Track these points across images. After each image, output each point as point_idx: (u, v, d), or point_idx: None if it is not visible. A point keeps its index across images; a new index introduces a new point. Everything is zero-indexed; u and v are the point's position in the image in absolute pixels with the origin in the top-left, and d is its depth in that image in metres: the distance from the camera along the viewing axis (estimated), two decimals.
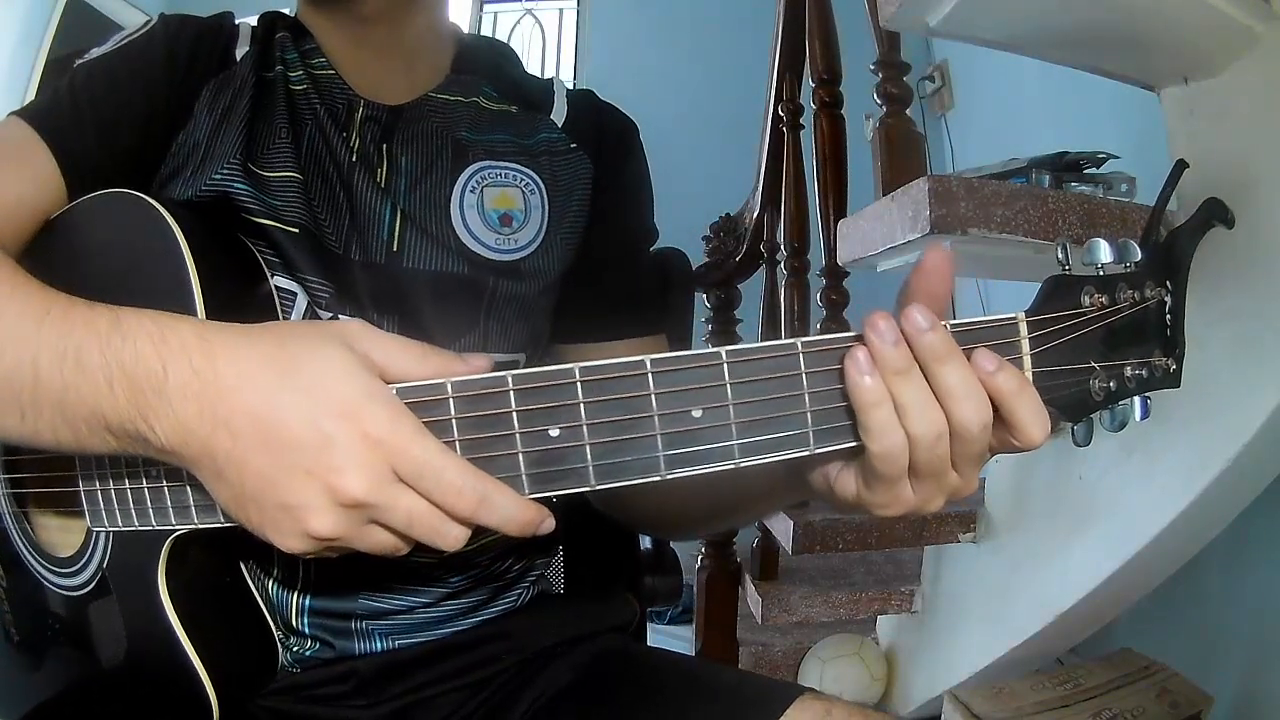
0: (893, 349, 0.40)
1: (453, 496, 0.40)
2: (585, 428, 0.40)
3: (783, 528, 1.41)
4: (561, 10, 3.63)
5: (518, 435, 0.40)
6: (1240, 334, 0.96)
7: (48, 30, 2.65)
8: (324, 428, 0.39)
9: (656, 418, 0.40)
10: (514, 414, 0.40)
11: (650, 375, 0.40)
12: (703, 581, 1.72)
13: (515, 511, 0.41)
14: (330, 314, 0.61)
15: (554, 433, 0.40)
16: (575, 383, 0.40)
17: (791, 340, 0.41)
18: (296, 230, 0.61)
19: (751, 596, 1.63)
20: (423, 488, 0.40)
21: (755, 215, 1.84)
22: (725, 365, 0.40)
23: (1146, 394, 0.44)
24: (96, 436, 0.43)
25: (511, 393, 0.40)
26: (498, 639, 0.68)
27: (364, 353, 0.41)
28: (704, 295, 1.89)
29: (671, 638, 2.20)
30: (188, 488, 0.48)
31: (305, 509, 0.39)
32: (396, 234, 0.64)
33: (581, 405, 0.40)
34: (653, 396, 0.40)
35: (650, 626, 0.89)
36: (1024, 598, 1.32)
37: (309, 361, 0.40)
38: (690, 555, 1.84)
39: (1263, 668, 1.35)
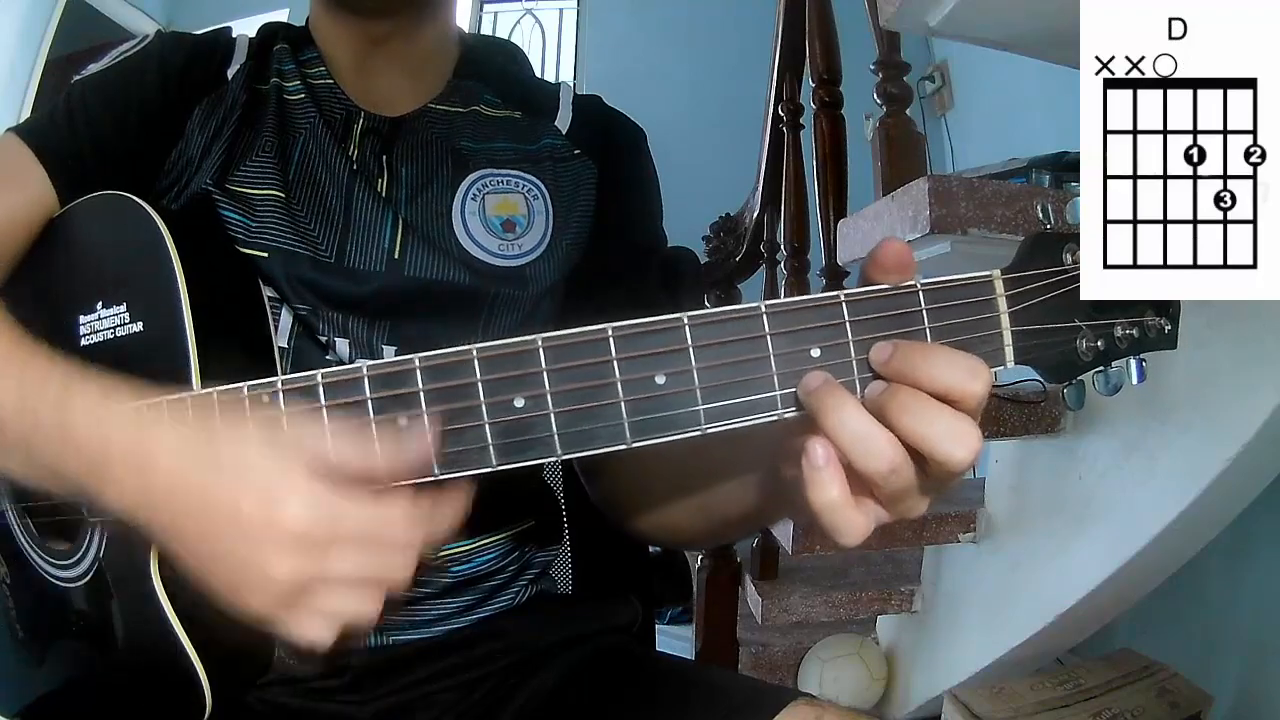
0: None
1: (399, 554, 0.41)
2: (549, 396, 0.40)
3: (783, 527, 1.41)
4: (561, 10, 3.64)
5: (484, 406, 0.40)
6: (1240, 334, 0.96)
7: (48, 30, 2.66)
8: (249, 531, 0.39)
9: (619, 384, 0.40)
10: (479, 384, 0.40)
11: (611, 341, 0.40)
12: (703, 581, 1.72)
13: (458, 517, 0.42)
14: (304, 321, 0.62)
15: (519, 403, 0.40)
16: (538, 350, 0.40)
17: (755, 304, 0.40)
18: (265, 255, 0.62)
19: (751, 596, 1.63)
20: (367, 554, 0.40)
21: (755, 215, 1.84)
22: (687, 329, 0.40)
23: (1141, 356, 0.42)
24: (59, 487, 0.45)
25: (476, 362, 0.40)
26: (492, 638, 0.68)
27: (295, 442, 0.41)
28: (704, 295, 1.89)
29: (671, 638, 2.19)
30: None
31: (249, 592, 0.41)
32: (398, 242, 0.64)
33: (545, 373, 0.40)
34: (615, 363, 0.40)
35: None
36: (1024, 598, 1.32)
37: (233, 458, 0.40)
38: (691, 555, 1.84)
39: (1263, 668, 1.35)
